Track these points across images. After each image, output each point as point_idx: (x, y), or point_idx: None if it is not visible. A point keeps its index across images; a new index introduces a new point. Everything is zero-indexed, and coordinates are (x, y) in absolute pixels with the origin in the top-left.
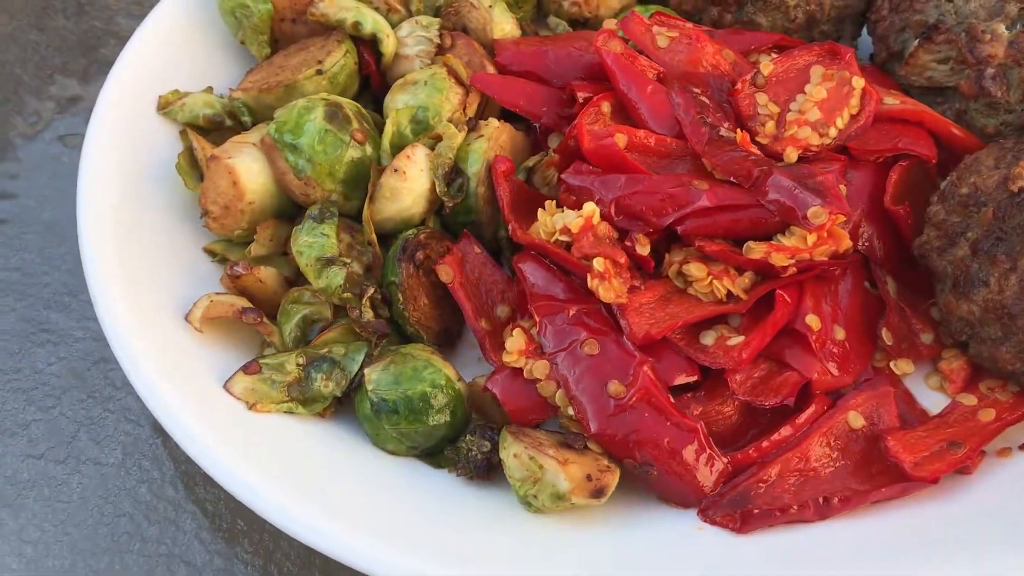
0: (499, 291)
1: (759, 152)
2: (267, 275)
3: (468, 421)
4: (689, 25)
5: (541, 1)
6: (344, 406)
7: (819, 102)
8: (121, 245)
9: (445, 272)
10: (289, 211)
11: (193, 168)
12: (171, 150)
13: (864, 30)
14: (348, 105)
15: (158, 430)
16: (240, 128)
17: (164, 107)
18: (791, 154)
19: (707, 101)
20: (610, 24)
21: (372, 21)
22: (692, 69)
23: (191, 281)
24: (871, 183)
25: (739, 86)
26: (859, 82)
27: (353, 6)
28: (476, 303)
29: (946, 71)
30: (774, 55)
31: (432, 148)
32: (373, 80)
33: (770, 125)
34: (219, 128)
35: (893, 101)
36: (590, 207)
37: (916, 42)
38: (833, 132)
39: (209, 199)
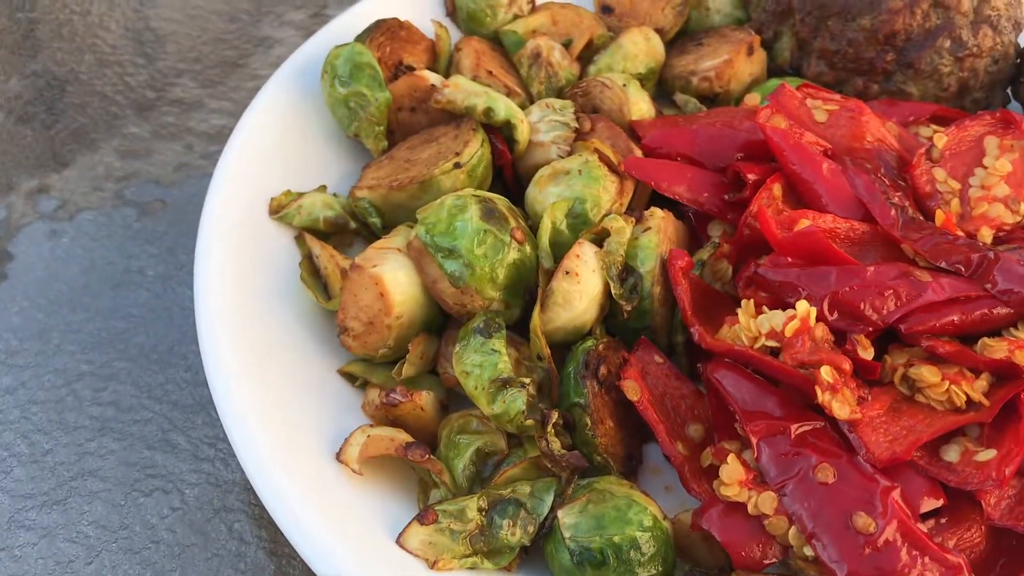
0: (688, 406)
1: (964, 235)
2: (427, 401)
3: (675, 567)
4: (845, 97)
5: (663, 79)
6: (531, 555)
7: (1005, 176)
8: (251, 374)
9: (632, 389)
10: (437, 323)
11: (315, 278)
12: (289, 258)
13: (1011, 95)
14: (500, 201)
15: None
16: (366, 231)
17: (277, 211)
18: (986, 234)
19: (884, 180)
20: (754, 99)
21: (505, 107)
22: (856, 144)
23: (329, 410)
24: None
25: (915, 161)
26: None
27: (482, 91)
28: (668, 423)
29: None
30: (934, 127)
31: (599, 245)
32: (507, 171)
33: (955, 203)
34: (341, 231)
35: None
36: (805, 307)
37: None
38: (1023, 208)
39: (349, 315)
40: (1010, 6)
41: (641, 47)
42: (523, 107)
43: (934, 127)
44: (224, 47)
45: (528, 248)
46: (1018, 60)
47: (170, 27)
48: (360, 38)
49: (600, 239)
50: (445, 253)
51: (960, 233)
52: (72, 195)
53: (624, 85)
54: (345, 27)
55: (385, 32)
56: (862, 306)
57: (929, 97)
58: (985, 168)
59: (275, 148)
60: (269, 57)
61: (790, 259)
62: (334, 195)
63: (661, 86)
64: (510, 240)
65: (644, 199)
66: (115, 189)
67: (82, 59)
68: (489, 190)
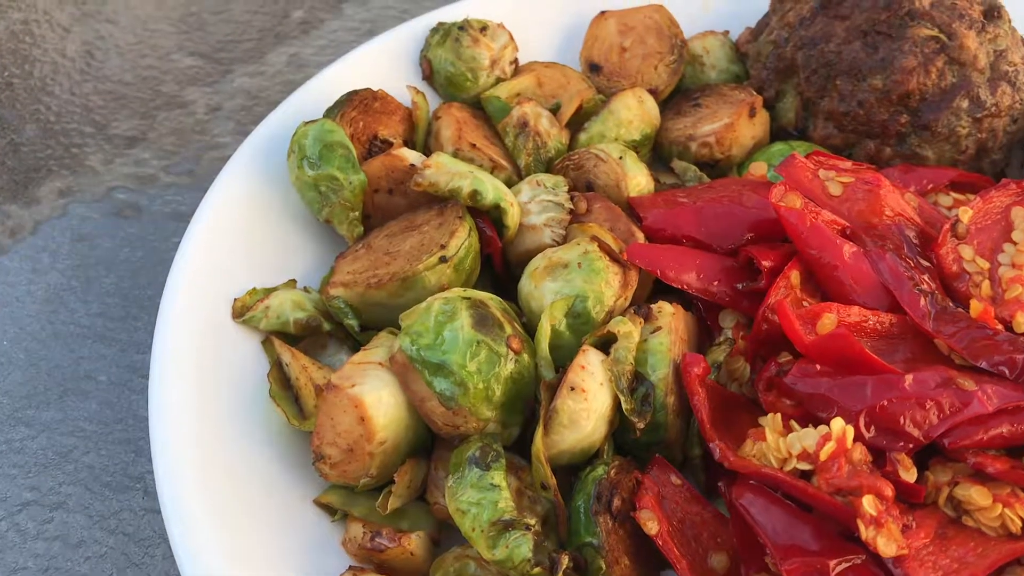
0: (710, 534)
1: (1003, 328)
2: (417, 545)
3: None
4: (861, 166)
5: (659, 143)
6: None
7: None
8: (216, 512)
9: (649, 521)
10: (425, 443)
11: (286, 390)
12: (257, 367)
13: None
14: (493, 303)
15: None
16: (342, 332)
17: (242, 313)
18: (1022, 321)
19: (910, 262)
20: (760, 169)
21: (493, 188)
22: (874, 220)
23: (304, 547)
24: None
25: (940, 239)
26: None
27: (467, 170)
28: (690, 557)
29: None
30: (954, 195)
31: (604, 350)
32: (495, 258)
33: (985, 285)
34: (315, 334)
35: None
36: (841, 425)
37: None
38: None
39: (326, 440)
40: None
41: (635, 111)
42: (510, 182)
43: (954, 195)
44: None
45: (526, 357)
46: None
47: (121, 90)
48: (330, 112)
49: (605, 342)
50: (433, 369)
51: (999, 326)
52: (16, 279)
53: (620, 158)
54: (312, 96)
55: (357, 106)
56: (902, 421)
57: (945, 160)
58: (1015, 244)
59: (238, 239)
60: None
61: (818, 366)
62: (305, 289)
63: (657, 151)
64: (506, 351)
65: (647, 287)
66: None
67: (23, 128)
68: (477, 280)
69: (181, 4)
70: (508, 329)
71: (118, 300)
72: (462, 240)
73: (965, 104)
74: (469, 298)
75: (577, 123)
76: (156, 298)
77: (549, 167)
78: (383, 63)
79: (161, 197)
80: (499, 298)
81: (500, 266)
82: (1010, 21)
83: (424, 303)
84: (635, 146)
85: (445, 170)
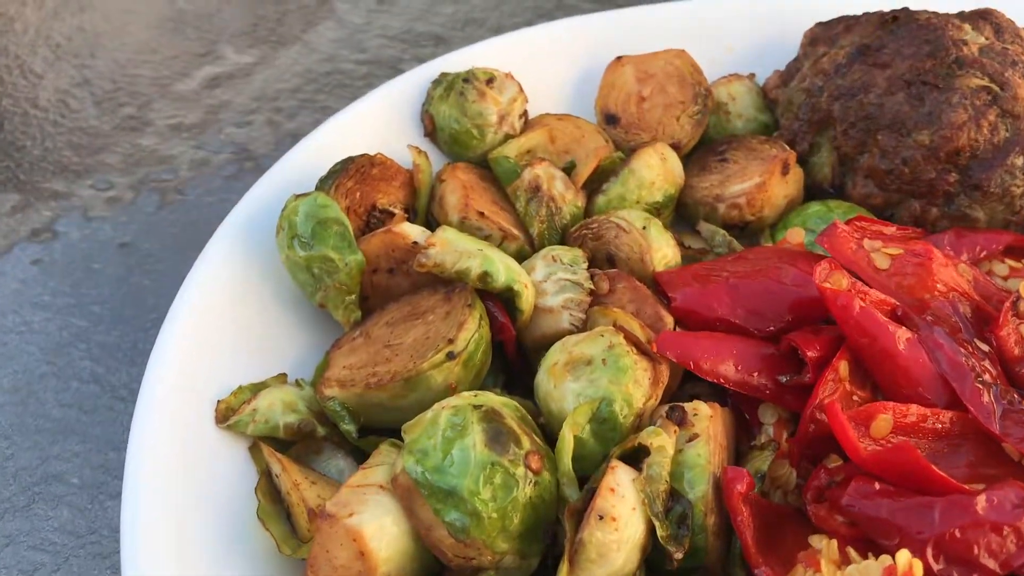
0: None
1: None
2: None
3: None
4: (907, 230)
5: (683, 202)
6: None
7: None
8: None
9: None
10: (432, 572)
11: (276, 504)
12: (244, 480)
13: None
14: (508, 412)
15: None
16: (338, 435)
17: (227, 417)
18: None
19: (967, 347)
20: (797, 236)
21: (505, 269)
22: (925, 296)
23: None
24: None
25: (1001, 319)
26: None
27: (475, 248)
28: None
29: None
30: (1010, 262)
31: (634, 463)
32: (508, 347)
33: None
34: (308, 439)
35: None
36: (907, 558)
37: None
38: None
39: (321, 574)
40: None
41: (657, 171)
42: (522, 253)
43: (1010, 263)
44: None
45: (547, 476)
46: None
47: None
48: (324, 183)
49: (635, 453)
50: (442, 496)
51: None
52: None
53: (644, 227)
54: (303, 160)
55: (354, 175)
56: (976, 550)
57: (998, 221)
58: None
59: (221, 329)
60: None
61: (877, 485)
62: (297, 383)
63: (680, 210)
64: (524, 472)
65: (679, 375)
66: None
67: None
68: (489, 369)
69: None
70: (526, 444)
71: (95, 388)
72: (471, 333)
73: (1020, 161)
74: (481, 407)
75: (594, 182)
76: (137, 384)
77: (564, 234)
78: (382, 119)
79: (140, 267)
80: (514, 402)
81: (513, 354)
82: None
83: (431, 413)
84: (658, 208)
85: (451, 248)
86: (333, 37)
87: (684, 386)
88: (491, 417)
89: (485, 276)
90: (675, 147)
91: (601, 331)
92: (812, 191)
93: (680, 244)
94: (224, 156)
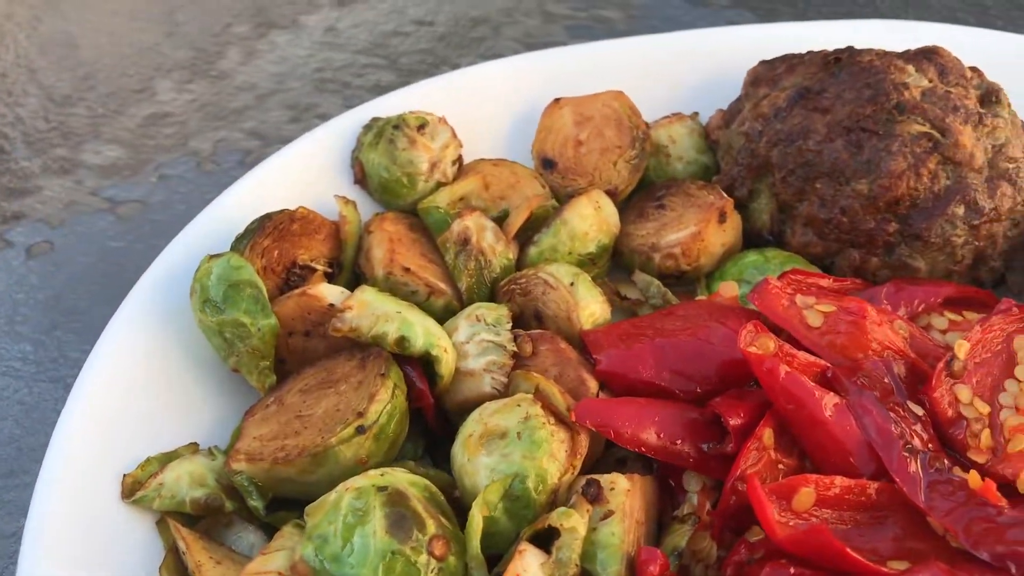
0: None
1: (1005, 505)
2: None
3: None
4: (845, 282)
5: (619, 249)
6: None
7: None
8: None
9: None
10: None
11: None
12: (149, 558)
13: None
14: (414, 492)
15: None
16: (248, 510)
17: (133, 492)
18: None
19: (898, 411)
20: (730, 290)
21: (424, 333)
22: (858, 355)
23: None
24: None
25: (934, 380)
26: None
27: (394, 311)
28: None
29: None
30: (949, 315)
31: (544, 545)
32: (427, 415)
33: (985, 436)
34: (215, 514)
35: None
36: None
37: None
38: None
39: None
40: None
41: (590, 221)
42: (450, 308)
43: (949, 315)
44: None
45: (453, 561)
46: None
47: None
48: (239, 243)
49: (547, 534)
50: None
51: (1002, 501)
52: None
53: (571, 284)
54: (225, 214)
55: (271, 232)
56: None
57: (939, 271)
58: (1018, 381)
59: (131, 397)
60: None
61: (792, 570)
62: (210, 452)
63: (618, 258)
64: (427, 560)
65: (602, 443)
66: None
67: None
68: (409, 436)
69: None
70: (431, 528)
71: (11, 450)
72: (383, 404)
73: (961, 210)
74: (386, 488)
75: (529, 230)
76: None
77: (494, 288)
78: (312, 166)
79: (66, 321)
80: (424, 480)
81: (434, 420)
82: (1009, 106)
83: (334, 494)
84: (592, 259)
85: (369, 312)
86: (275, 71)
87: (611, 448)
88: (395, 500)
89: (402, 341)
90: (612, 193)
91: (518, 400)
92: (752, 238)
93: (616, 294)
94: (158, 199)
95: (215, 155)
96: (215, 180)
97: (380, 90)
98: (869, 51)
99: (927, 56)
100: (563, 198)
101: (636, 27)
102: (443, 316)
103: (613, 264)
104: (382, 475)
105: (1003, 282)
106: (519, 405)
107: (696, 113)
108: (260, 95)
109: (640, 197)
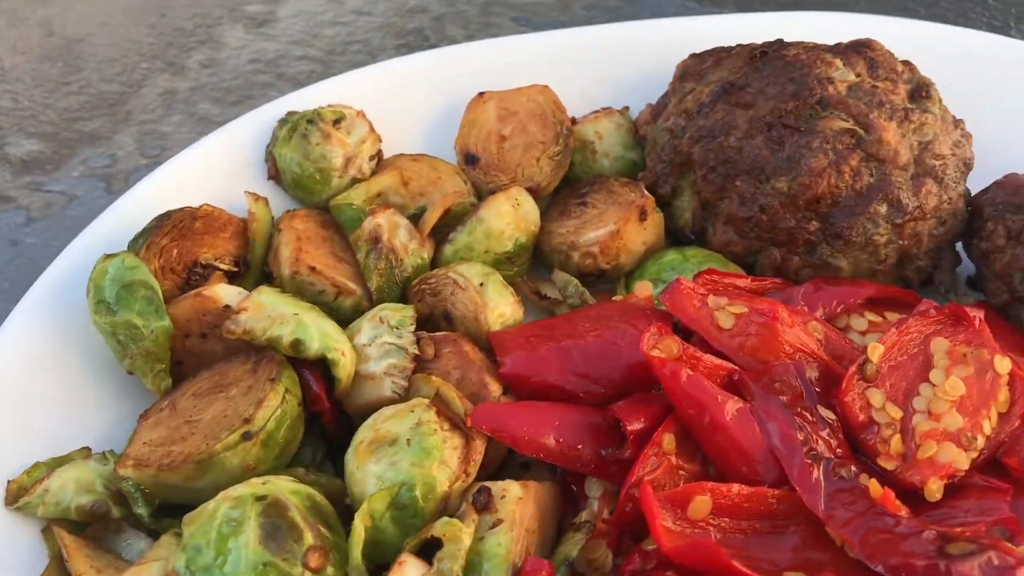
0: None
1: (907, 513)
2: None
3: None
4: (765, 281)
5: (542, 248)
6: None
7: (957, 401)
8: None
9: None
10: None
11: None
12: (37, 562)
13: (965, 252)
14: (294, 499)
15: None
16: (133, 519)
17: (17, 498)
18: (934, 489)
19: (807, 416)
20: (645, 290)
21: (320, 335)
22: (770, 358)
23: None
24: None
25: (845, 384)
26: (1004, 364)
27: (290, 314)
28: None
29: None
30: (868, 315)
31: (428, 556)
32: (325, 418)
33: (896, 441)
34: (102, 520)
35: None
36: None
37: None
38: (981, 442)
39: None
40: (957, 147)
41: (507, 219)
42: (359, 308)
43: (869, 316)
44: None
45: (331, 571)
46: (969, 209)
47: None
48: (135, 243)
49: (432, 544)
50: None
51: (901, 512)
52: None
53: (481, 284)
54: (132, 211)
55: (170, 231)
56: None
57: (862, 270)
58: (933, 386)
59: (23, 401)
60: None
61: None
62: (104, 456)
63: (540, 257)
64: (301, 572)
65: (502, 453)
66: None
67: None
68: (311, 442)
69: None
70: (308, 539)
71: None
72: (272, 411)
73: (884, 208)
74: (265, 498)
75: (447, 228)
76: None
77: (405, 288)
78: (226, 161)
79: None
80: (308, 489)
81: (331, 425)
82: (940, 101)
83: (212, 504)
84: (509, 257)
85: (264, 314)
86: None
87: (515, 452)
88: (272, 510)
89: (297, 344)
90: (534, 190)
91: (412, 405)
92: (676, 236)
93: (536, 293)
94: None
95: (142, 148)
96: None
97: (316, 80)
98: (797, 44)
99: (857, 50)
100: (485, 195)
101: (582, 17)
102: (352, 317)
103: (537, 262)
104: (264, 484)
105: (931, 281)
106: (412, 411)
107: (627, 108)
108: (192, 87)
109: (564, 194)
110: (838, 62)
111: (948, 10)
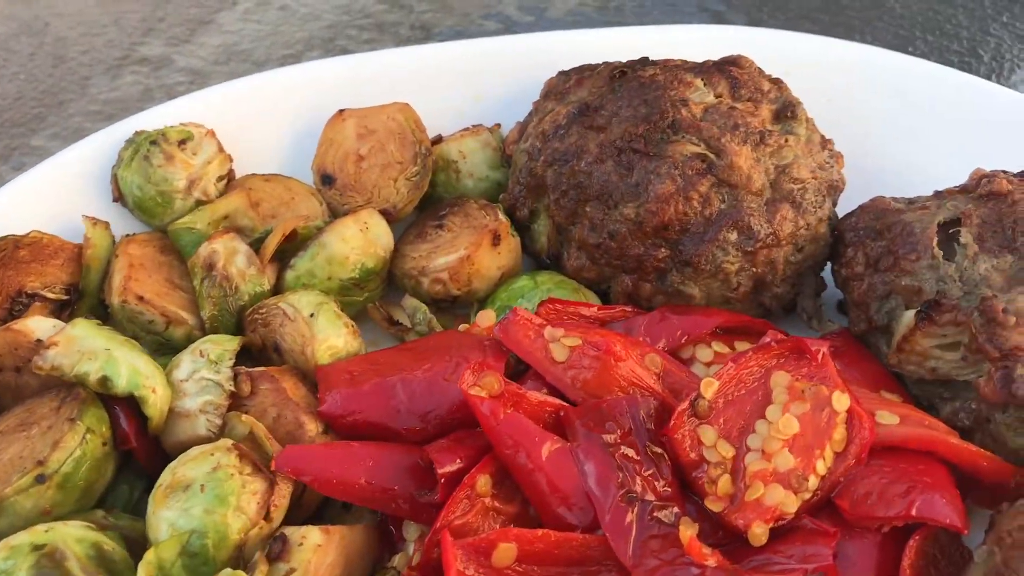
0: None
1: (716, 562)
2: None
3: None
4: (613, 309)
5: (396, 272)
6: None
7: (790, 439)
8: None
9: None
10: None
11: None
12: None
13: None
14: (77, 547)
15: None
16: None
17: None
18: (759, 533)
19: (631, 454)
20: (487, 319)
21: (128, 374)
22: (603, 392)
23: None
24: (875, 562)
25: (674, 421)
26: (843, 401)
27: (101, 349)
28: None
29: (956, 361)
30: (715, 346)
31: None
32: (139, 455)
33: (724, 481)
34: None
35: (890, 419)
36: None
37: (910, 318)
38: (813, 482)
39: None
40: (821, 169)
41: (352, 244)
42: (192, 338)
43: (716, 347)
44: None
45: None
46: (834, 233)
47: None
48: None
49: None
50: None
51: (708, 561)
52: None
53: (312, 315)
54: None
55: None
56: None
57: (715, 299)
58: (769, 423)
59: None
60: None
61: None
62: None
63: (395, 282)
64: None
65: (320, 497)
66: None
67: None
68: (118, 482)
69: None
70: None
71: None
72: (69, 452)
73: (733, 235)
74: (43, 547)
75: (293, 253)
76: None
77: (240, 317)
78: (69, 184)
79: None
80: (99, 535)
81: (146, 463)
82: (808, 121)
83: None
84: (356, 284)
85: (74, 349)
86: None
87: None
88: (47, 561)
89: (105, 380)
90: (390, 212)
91: (214, 448)
92: (535, 260)
93: (388, 320)
94: None
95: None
96: None
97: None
98: (658, 63)
99: (722, 68)
100: (341, 216)
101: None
102: (186, 347)
103: (389, 288)
104: (47, 531)
105: (794, 308)
106: (212, 454)
107: (498, 125)
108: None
109: (424, 216)
110: (698, 82)
111: (855, 18)
